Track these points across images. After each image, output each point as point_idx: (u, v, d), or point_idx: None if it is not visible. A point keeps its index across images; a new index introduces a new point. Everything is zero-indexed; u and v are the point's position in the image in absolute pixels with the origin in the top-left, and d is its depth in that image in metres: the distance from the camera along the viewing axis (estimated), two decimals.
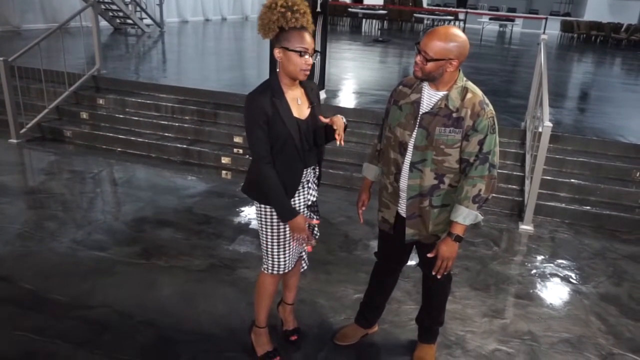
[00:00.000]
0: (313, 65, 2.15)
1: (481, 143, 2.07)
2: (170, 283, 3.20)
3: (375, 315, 2.78)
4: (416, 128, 2.13)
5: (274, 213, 2.27)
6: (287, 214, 2.20)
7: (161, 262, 3.44)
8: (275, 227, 2.30)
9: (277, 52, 2.10)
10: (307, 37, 2.08)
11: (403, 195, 2.26)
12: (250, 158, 2.30)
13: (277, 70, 2.16)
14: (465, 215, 2.13)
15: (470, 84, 2.12)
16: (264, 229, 2.33)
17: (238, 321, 2.85)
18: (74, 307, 2.91)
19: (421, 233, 2.28)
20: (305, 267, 2.62)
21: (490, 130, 2.07)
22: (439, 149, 2.10)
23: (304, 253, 2.54)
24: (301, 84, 2.24)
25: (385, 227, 2.40)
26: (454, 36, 1.99)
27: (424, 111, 2.12)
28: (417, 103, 2.15)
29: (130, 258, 3.46)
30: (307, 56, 2.07)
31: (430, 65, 2.00)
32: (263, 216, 2.31)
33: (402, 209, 2.30)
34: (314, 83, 2.23)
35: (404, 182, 2.22)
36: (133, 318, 2.86)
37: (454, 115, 2.06)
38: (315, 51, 2.11)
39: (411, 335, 2.80)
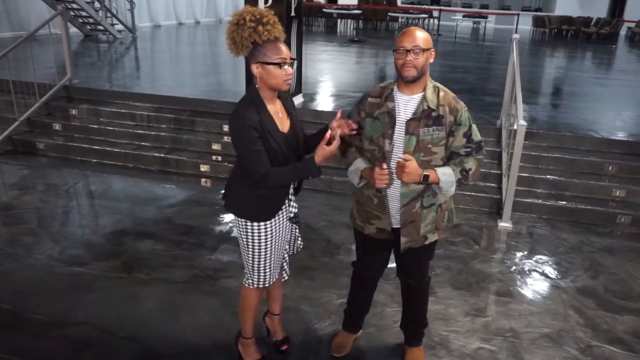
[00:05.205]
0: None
1: (468, 135, 2.17)
2: (152, 296, 3.17)
3: (362, 319, 2.80)
4: (403, 135, 2.14)
5: (257, 229, 2.25)
6: (312, 169, 2.13)
7: (142, 275, 3.40)
8: (257, 243, 2.28)
9: (255, 68, 2.08)
10: (283, 47, 2.08)
11: (393, 204, 2.25)
12: (231, 165, 2.28)
13: (257, 85, 2.12)
14: (446, 173, 2.15)
15: (438, 83, 2.21)
16: (248, 246, 2.30)
17: (223, 332, 2.83)
18: (55, 326, 2.86)
19: (413, 238, 2.29)
20: (286, 277, 2.60)
21: (472, 121, 2.20)
22: (426, 149, 2.14)
23: (285, 263, 2.53)
24: (278, 95, 2.22)
25: (383, 236, 2.35)
26: (424, 30, 2.14)
27: (408, 118, 2.14)
28: (393, 111, 2.17)
29: (111, 272, 3.41)
30: (286, 66, 2.07)
31: (424, 56, 2.07)
32: (245, 232, 2.28)
33: (395, 219, 2.28)
34: (287, 92, 2.23)
35: (394, 191, 2.21)
36: (116, 334, 2.82)
37: (433, 114, 2.13)
38: (292, 59, 2.11)
39: (396, 338, 2.83)
